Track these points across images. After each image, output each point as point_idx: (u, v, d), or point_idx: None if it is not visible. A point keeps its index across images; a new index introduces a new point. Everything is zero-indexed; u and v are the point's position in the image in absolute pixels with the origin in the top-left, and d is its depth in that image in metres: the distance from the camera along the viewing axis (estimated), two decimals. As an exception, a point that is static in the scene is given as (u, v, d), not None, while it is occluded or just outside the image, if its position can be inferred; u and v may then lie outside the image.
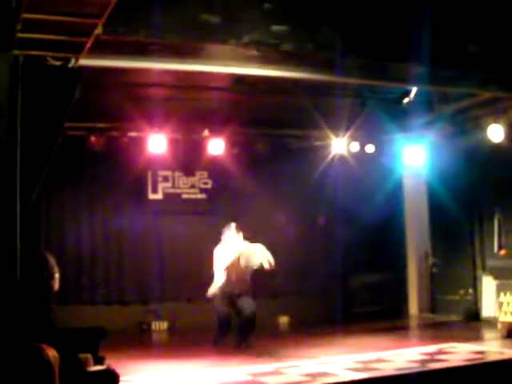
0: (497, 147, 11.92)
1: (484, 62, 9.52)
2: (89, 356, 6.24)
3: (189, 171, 14.17)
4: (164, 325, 13.55)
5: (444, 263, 14.64)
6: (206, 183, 14.39)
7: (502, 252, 12.69)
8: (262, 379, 8.19)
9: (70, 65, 7.20)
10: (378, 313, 14.45)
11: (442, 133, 13.25)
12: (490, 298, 12.45)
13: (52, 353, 5.64)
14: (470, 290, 13.71)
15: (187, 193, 14.29)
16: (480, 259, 13.57)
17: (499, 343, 10.75)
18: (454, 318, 13.69)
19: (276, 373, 8.64)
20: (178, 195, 14.25)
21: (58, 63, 7.10)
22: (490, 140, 11.77)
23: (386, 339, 11.57)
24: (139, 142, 12.80)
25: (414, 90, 11.98)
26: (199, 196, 14.37)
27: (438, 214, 14.54)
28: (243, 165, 13.71)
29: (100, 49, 7.38)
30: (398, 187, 15.16)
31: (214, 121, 12.75)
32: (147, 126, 12.37)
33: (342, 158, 13.80)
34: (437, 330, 13.07)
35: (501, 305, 11.47)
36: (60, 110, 7.11)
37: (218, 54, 8.60)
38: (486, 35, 9.48)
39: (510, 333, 11.02)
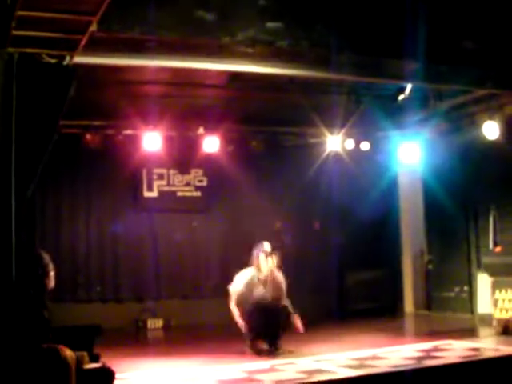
0: (492, 144, 11.92)
1: (479, 58, 9.53)
2: (84, 354, 6.23)
3: (184, 169, 14.16)
4: (159, 322, 13.55)
5: (439, 260, 14.67)
6: (201, 181, 14.38)
7: (498, 249, 12.69)
8: (258, 376, 8.18)
9: (65, 62, 7.17)
10: (374, 310, 14.46)
11: (437, 130, 13.25)
12: (486, 295, 12.45)
13: (69, 353, 5.66)
14: (466, 287, 13.74)
15: (182, 190, 14.27)
16: (475, 256, 13.58)
17: (495, 340, 10.77)
18: (449, 314, 13.72)
19: (272, 370, 8.63)
20: (173, 193, 14.23)
21: (53, 61, 7.07)
22: (485, 137, 11.77)
23: (382, 336, 11.59)
24: (134, 140, 12.79)
25: (409, 86, 11.97)
26: (194, 194, 14.36)
27: (434, 211, 14.55)
28: (238, 162, 13.69)
29: (95, 46, 7.37)
30: (394, 184, 15.17)
31: (209, 118, 12.74)
32: (142, 123, 12.36)
33: (337, 155, 13.79)
34: (432, 326, 13.09)
35: (496, 302, 11.48)
36: (55, 108, 7.08)
37: (213, 51, 8.59)
38: (481, 32, 9.49)
39: (505, 329, 11.04)
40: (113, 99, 11.60)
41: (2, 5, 6.15)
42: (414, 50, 8.80)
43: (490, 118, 11.64)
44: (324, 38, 8.65)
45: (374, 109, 12.67)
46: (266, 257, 10.22)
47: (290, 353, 9.81)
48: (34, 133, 6.92)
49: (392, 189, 15.07)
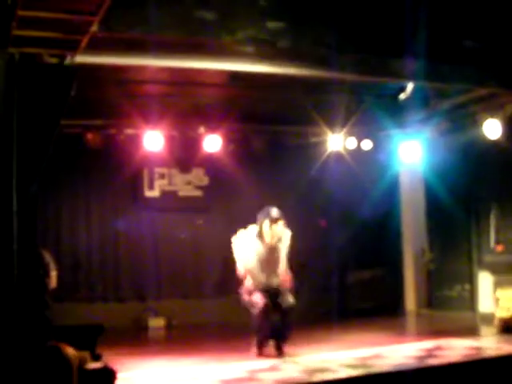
0: (493, 143, 11.92)
1: (481, 57, 9.53)
2: (86, 353, 6.24)
3: (185, 168, 14.15)
4: (161, 322, 13.54)
5: (441, 259, 14.65)
6: (202, 180, 14.38)
7: (499, 247, 12.70)
8: (260, 375, 8.19)
9: (66, 62, 7.19)
10: (375, 309, 14.44)
11: (438, 129, 13.24)
12: (487, 294, 12.45)
13: (71, 352, 5.67)
14: (467, 286, 13.74)
15: (183, 190, 14.27)
16: (477, 255, 13.59)
17: (496, 338, 10.76)
18: (450, 313, 13.71)
19: (273, 369, 8.64)
20: (175, 192, 14.22)
21: (54, 61, 7.08)
22: (486, 136, 11.76)
23: (383, 335, 11.58)
24: (135, 139, 12.76)
25: (411, 85, 11.97)
26: (195, 193, 14.35)
27: (435, 209, 14.54)
28: (239, 161, 13.68)
29: (96, 46, 7.36)
30: (395, 183, 15.15)
31: (210, 117, 12.72)
32: (143, 123, 12.35)
33: (338, 154, 13.79)
34: (434, 325, 13.08)
35: (497, 300, 11.48)
36: (56, 108, 7.08)
37: (213, 50, 8.59)
38: (483, 31, 9.49)
39: (506, 328, 11.04)
40: (114, 99, 11.59)
41: (2, 5, 6.16)
42: (415, 49, 8.80)
43: (492, 117, 11.64)
44: (325, 37, 8.65)
45: (375, 108, 12.67)
46: (271, 224, 9.65)
47: (292, 352, 9.81)
48: (36, 133, 6.92)
49: (393, 187, 15.05)
